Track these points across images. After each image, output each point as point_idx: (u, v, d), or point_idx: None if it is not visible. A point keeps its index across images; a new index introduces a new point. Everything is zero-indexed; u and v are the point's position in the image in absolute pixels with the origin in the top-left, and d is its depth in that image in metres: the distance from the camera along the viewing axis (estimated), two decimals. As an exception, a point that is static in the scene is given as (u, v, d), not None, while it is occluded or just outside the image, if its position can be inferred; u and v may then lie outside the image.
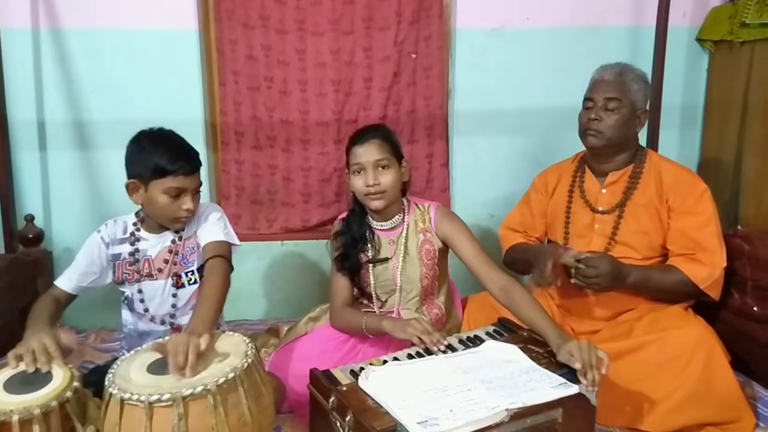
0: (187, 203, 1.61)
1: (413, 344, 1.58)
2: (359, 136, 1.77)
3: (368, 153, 1.73)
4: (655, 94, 2.28)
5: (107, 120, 2.35)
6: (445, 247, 1.84)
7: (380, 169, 1.74)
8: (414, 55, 2.48)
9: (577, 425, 1.32)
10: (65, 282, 1.65)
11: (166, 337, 1.45)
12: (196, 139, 2.37)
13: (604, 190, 1.89)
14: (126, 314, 1.75)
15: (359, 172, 1.75)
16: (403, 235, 1.83)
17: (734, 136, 2.38)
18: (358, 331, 1.76)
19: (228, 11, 2.38)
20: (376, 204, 1.77)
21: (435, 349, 1.52)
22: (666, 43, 2.31)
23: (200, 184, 1.66)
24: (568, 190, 1.97)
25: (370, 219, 1.86)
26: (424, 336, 1.54)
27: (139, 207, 1.70)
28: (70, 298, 1.66)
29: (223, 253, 1.61)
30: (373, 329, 1.71)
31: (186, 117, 2.35)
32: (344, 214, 1.92)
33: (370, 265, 1.84)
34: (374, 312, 1.87)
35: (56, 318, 1.58)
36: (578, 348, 1.37)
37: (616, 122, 1.79)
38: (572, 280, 1.76)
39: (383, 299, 1.88)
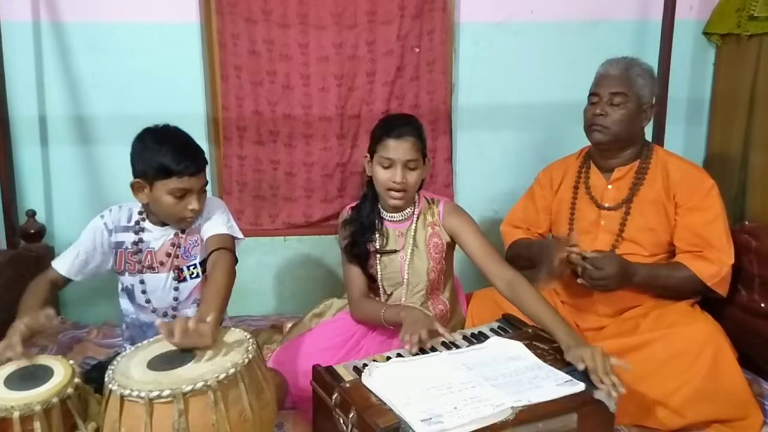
0: (192, 203, 1.58)
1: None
2: (394, 128, 1.72)
3: (402, 150, 1.69)
4: (662, 89, 2.26)
5: (109, 114, 2.34)
6: (453, 242, 1.83)
7: (409, 169, 1.72)
8: (417, 50, 2.46)
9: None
10: (63, 265, 1.64)
11: None
12: (198, 134, 2.35)
13: (609, 186, 1.87)
14: (126, 304, 1.73)
15: (387, 167, 1.72)
16: (412, 227, 1.83)
17: (741, 131, 2.36)
18: (377, 323, 1.75)
19: (230, 5, 2.35)
20: (395, 202, 1.76)
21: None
22: (672, 36, 2.28)
23: (206, 183, 1.63)
24: (573, 186, 1.95)
25: (381, 209, 1.85)
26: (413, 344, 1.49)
27: None
28: (67, 281, 1.65)
29: (227, 245, 1.60)
30: (392, 321, 1.70)
31: (188, 112, 2.34)
32: (353, 204, 1.91)
33: (378, 255, 1.83)
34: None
35: (49, 302, 1.54)
36: (590, 355, 1.34)
37: (622, 117, 1.77)
38: (578, 281, 1.74)
39: (389, 292, 1.87)
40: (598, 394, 1.30)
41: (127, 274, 1.68)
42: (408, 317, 1.61)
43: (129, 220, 1.69)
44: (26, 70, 2.29)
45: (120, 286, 1.73)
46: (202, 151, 1.62)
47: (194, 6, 2.31)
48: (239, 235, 1.68)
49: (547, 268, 1.73)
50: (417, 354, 1.49)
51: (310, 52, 2.41)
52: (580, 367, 1.33)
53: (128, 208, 1.71)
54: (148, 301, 1.69)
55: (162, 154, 1.53)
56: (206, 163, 1.62)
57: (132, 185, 1.59)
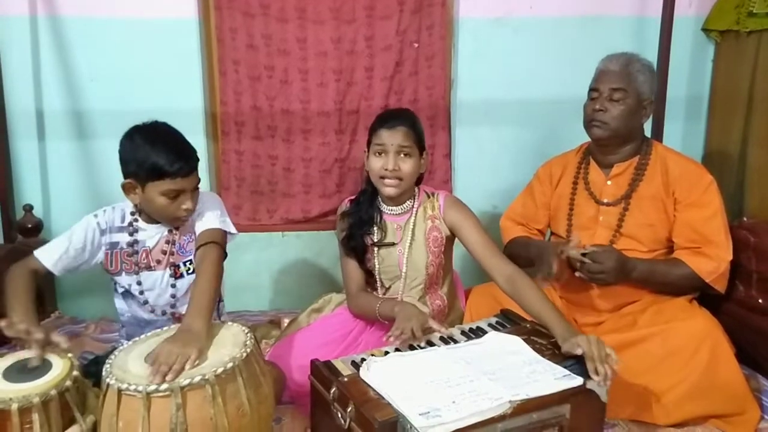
0: (186, 203, 1.56)
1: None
2: (387, 119, 1.76)
3: (394, 137, 1.72)
4: (661, 85, 2.26)
5: (106, 109, 2.33)
6: (452, 236, 1.83)
7: (402, 155, 1.73)
8: (416, 45, 2.45)
9: (585, 422, 1.30)
10: (49, 259, 1.58)
11: (166, 327, 1.44)
12: (196, 129, 2.36)
13: (609, 182, 1.87)
14: (120, 303, 1.71)
15: (380, 154, 1.74)
16: (411, 221, 1.83)
17: (739, 128, 2.35)
18: (373, 317, 1.75)
19: (228, -1, 2.35)
20: (389, 190, 1.76)
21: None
22: (671, 33, 2.28)
23: (199, 181, 1.60)
24: (572, 182, 1.95)
25: (380, 202, 1.85)
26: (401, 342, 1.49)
27: None
28: (49, 274, 1.60)
29: (216, 240, 1.57)
30: (386, 315, 1.70)
31: (186, 107, 2.33)
32: (352, 196, 1.91)
33: (376, 248, 1.83)
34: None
35: (34, 298, 1.48)
36: (587, 342, 1.35)
37: (622, 113, 1.77)
38: (577, 274, 1.74)
39: (387, 285, 1.86)
40: (591, 384, 1.30)
41: (123, 274, 1.66)
42: (401, 312, 1.61)
43: (122, 221, 1.67)
44: (23, 65, 2.28)
45: (115, 287, 1.71)
46: (194, 150, 1.58)
47: (192, 1, 2.30)
48: (232, 229, 1.65)
49: (545, 271, 1.73)
50: (413, 349, 1.49)
51: (309, 47, 2.41)
52: (577, 351, 1.34)
53: (120, 208, 1.68)
54: (146, 302, 1.67)
55: (154, 155, 1.49)
56: (198, 160, 1.59)
57: (123, 186, 1.55)
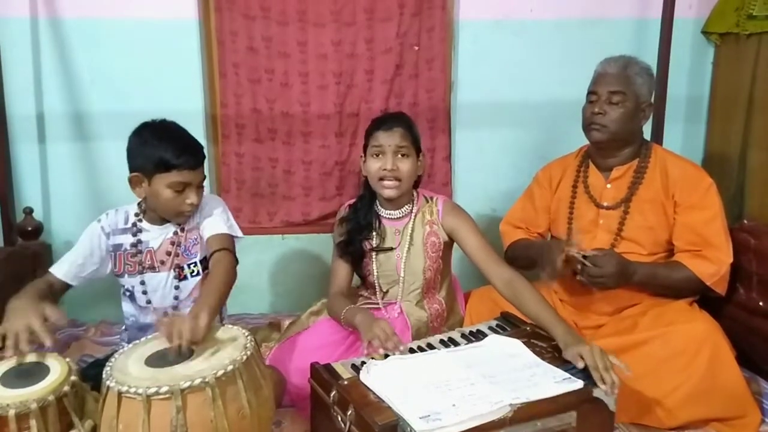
0: (191, 197, 1.59)
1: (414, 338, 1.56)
2: (383, 122, 1.78)
3: (391, 138, 1.73)
4: (661, 87, 2.26)
5: (107, 111, 2.33)
6: (450, 241, 1.83)
7: (399, 156, 1.74)
8: (416, 47, 2.45)
9: (592, 431, 1.29)
10: (61, 270, 1.62)
11: None
12: (197, 132, 2.32)
13: (608, 185, 1.87)
14: (127, 306, 1.73)
15: (378, 156, 1.74)
16: (410, 225, 1.83)
17: (740, 130, 2.36)
18: (339, 321, 1.75)
19: (228, 1, 2.35)
20: (388, 192, 1.76)
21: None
22: (671, 35, 2.28)
23: (204, 177, 1.64)
24: (572, 186, 1.95)
25: (379, 206, 1.85)
26: (380, 344, 1.46)
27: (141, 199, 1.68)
28: (66, 286, 1.63)
29: (228, 246, 1.61)
30: (350, 324, 1.68)
31: (186, 109, 2.32)
32: (351, 201, 1.92)
33: (374, 253, 1.82)
34: (376, 303, 1.87)
35: (47, 299, 1.51)
36: (589, 353, 1.34)
37: (621, 116, 1.77)
38: (578, 278, 1.74)
39: (385, 290, 1.87)
40: (598, 392, 1.29)
41: (126, 275, 1.68)
42: (362, 324, 1.57)
43: (126, 222, 1.69)
44: (24, 67, 2.28)
45: (121, 289, 1.72)
46: (200, 146, 1.62)
47: (193, 3, 2.30)
48: (239, 233, 1.68)
49: (548, 270, 1.73)
50: (413, 352, 1.48)
51: (309, 49, 2.41)
52: (579, 365, 1.34)
53: (124, 210, 1.71)
54: (148, 302, 1.68)
55: (162, 148, 1.53)
56: (204, 157, 1.63)
57: (130, 179, 1.59)
